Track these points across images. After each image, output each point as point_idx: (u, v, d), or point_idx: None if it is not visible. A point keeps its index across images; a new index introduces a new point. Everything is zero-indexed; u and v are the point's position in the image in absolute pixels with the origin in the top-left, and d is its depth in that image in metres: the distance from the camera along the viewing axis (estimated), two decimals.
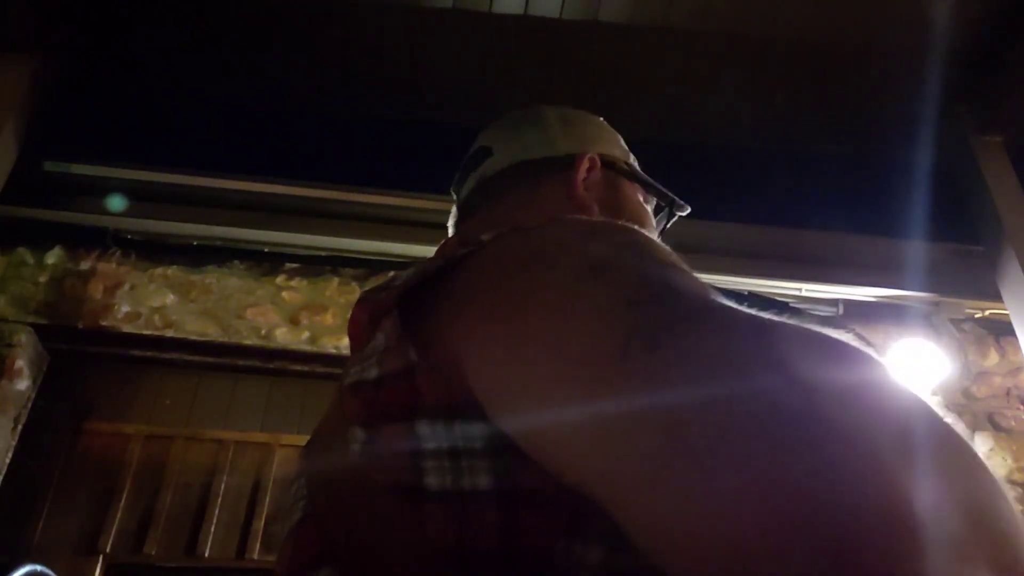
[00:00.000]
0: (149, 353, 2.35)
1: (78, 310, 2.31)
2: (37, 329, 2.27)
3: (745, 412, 0.29)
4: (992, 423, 2.46)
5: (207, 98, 2.64)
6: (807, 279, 2.50)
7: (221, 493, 2.18)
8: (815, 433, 0.28)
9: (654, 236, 0.58)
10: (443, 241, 0.74)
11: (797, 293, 2.51)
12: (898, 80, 2.51)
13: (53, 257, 2.39)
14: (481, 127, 0.89)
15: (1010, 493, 0.30)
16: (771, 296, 2.41)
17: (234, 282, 2.45)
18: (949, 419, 0.31)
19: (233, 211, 2.40)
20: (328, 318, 2.42)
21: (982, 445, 2.40)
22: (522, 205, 0.75)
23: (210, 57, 2.59)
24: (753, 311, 0.36)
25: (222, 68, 2.61)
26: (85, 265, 2.39)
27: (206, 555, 2.09)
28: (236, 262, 2.48)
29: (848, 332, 0.34)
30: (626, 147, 0.87)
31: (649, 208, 0.84)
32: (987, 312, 2.60)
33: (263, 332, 2.37)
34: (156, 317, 2.34)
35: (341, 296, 2.47)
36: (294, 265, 2.50)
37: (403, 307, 0.52)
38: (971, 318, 2.64)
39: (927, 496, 0.26)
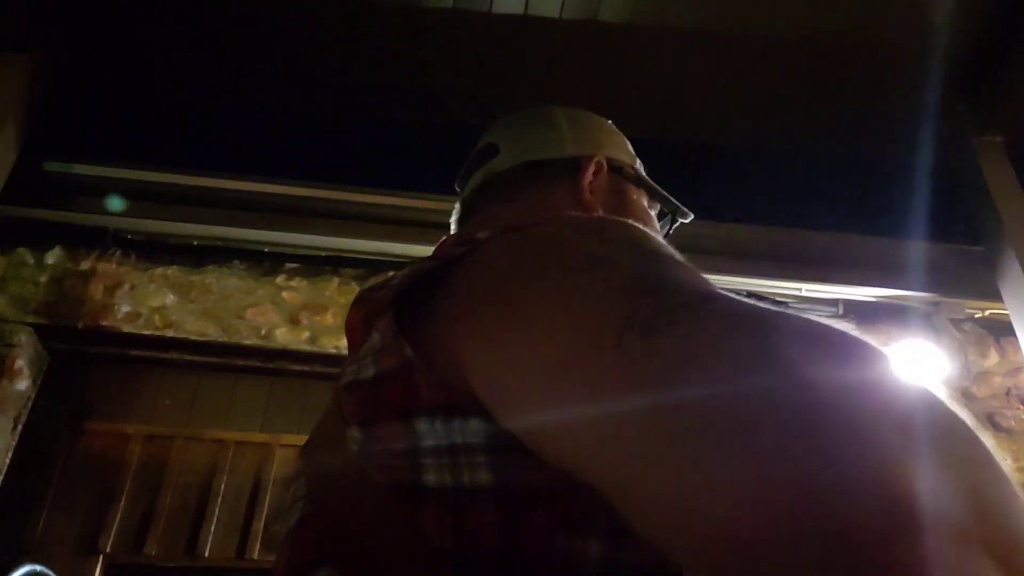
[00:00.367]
0: (149, 353, 2.35)
1: (78, 310, 2.31)
2: (37, 329, 2.27)
3: (747, 398, 0.29)
4: (992, 423, 2.46)
5: (207, 98, 2.64)
6: (807, 279, 2.50)
7: (221, 493, 2.18)
8: (817, 420, 0.28)
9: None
10: (441, 239, 0.74)
11: (797, 293, 2.51)
12: (898, 80, 2.51)
13: (53, 257, 2.39)
14: (481, 127, 0.89)
15: (1016, 481, 0.30)
16: (771, 296, 2.41)
17: (234, 282, 2.45)
18: (955, 407, 0.31)
19: (233, 211, 2.40)
20: (328, 318, 2.42)
21: None
22: (526, 207, 0.75)
23: (210, 57, 2.59)
24: (753, 302, 0.36)
25: (222, 68, 2.61)
26: (85, 265, 2.39)
27: (206, 555, 2.09)
28: (236, 262, 2.48)
29: (849, 323, 0.34)
30: (633, 152, 0.86)
31: (653, 213, 0.84)
32: (987, 312, 2.60)
33: (263, 332, 2.37)
34: (156, 317, 2.34)
35: (341, 296, 2.47)
36: (294, 265, 2.50)
37: (399, 306, 0.52)
38: (971, 318, 2.64)
39: (929, 484, 0.26)
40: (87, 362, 2.34)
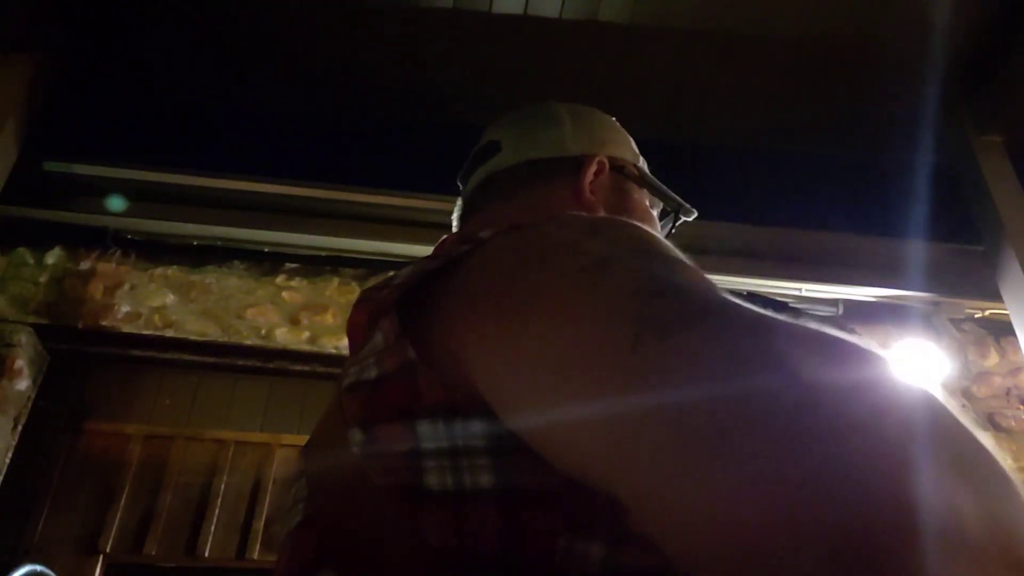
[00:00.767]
0: (149, 353, 2.35)
1: (78, 310, 2.31)
2: (37, 329, 2.27)
3: (756, 404, 0.30)
4: (992, 423, 2.46)
5: (207, 98, 2.64)
6: (807, 279, 2.50)
7: (221, 493, 2.18)
8: (823, 426, 0.28)
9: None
10: (442, 238, 0.74)
11: (797, 293, 2.51)
12: (898, 80, 2.51)
13: (53, 257, 2.39)
14: (481, 127, 0.89)
15: (1018, 481, 0.30)
16: (771, 296, 2.41)
17: (234, 282, 2.45)
18: (956, 410, 0.31)
19: (233, 211, 2.40)
20: (328, 318, 2.42)
21: None
22: (528, 205, 0.75)
23: (210, 57, 2.59)
24: (757, 308, 0.36)
25: (222, 68, 2.61)
26: (85, 265, 2.39)
27: (206, 555, 2.09)
28: (236, 262, 2.48)
29: (850, 331, 0.35)
30: (636, 150, 0.86)
31: (655, 212, 0.84)
32: (987, 312, 2.60)
33: (263, 332, 2.37)
34: (156, 317, 2.34)
35: (341, 296, 2.47)
36: (294, 265, 2.50)
37: (402, 306, 0.52)
38: (971, 318, 2.64)
39: (933, 487, 0.26)
40: (87, 362, 2.34)
